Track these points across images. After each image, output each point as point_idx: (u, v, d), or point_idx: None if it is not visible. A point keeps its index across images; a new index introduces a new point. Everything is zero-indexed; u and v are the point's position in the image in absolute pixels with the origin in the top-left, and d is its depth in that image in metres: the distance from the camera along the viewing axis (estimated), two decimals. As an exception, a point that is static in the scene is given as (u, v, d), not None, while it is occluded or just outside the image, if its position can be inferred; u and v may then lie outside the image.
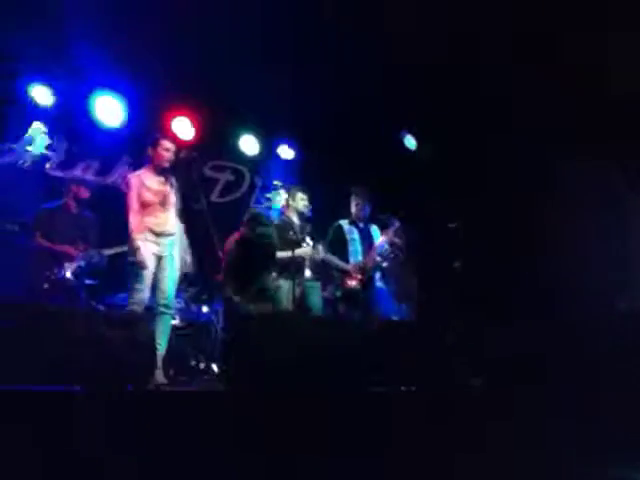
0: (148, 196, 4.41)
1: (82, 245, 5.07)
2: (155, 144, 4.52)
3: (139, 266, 4.25)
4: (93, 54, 5.58)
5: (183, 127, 6.56)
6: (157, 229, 4.39)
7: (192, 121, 6.62)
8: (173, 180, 4.55)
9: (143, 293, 4.26)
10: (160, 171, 4.50)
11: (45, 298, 4.74)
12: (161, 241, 4.41)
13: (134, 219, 4.37)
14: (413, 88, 6.27)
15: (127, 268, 4.34)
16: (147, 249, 4.32)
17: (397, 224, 5.41)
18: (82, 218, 5.23)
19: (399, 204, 5.89)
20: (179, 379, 4.59)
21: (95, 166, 6.29)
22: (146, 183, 4.44)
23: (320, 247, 5.12)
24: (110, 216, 5.06)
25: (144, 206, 4.40)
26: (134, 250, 4.30)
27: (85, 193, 5.29)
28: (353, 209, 5.52)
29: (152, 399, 3.13)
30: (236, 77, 5.99)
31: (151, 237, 4.37)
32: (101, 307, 5.21)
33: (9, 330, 2.97)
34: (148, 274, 4.29)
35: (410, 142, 7.52)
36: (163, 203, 4.44)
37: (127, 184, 4.50)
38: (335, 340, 3.59)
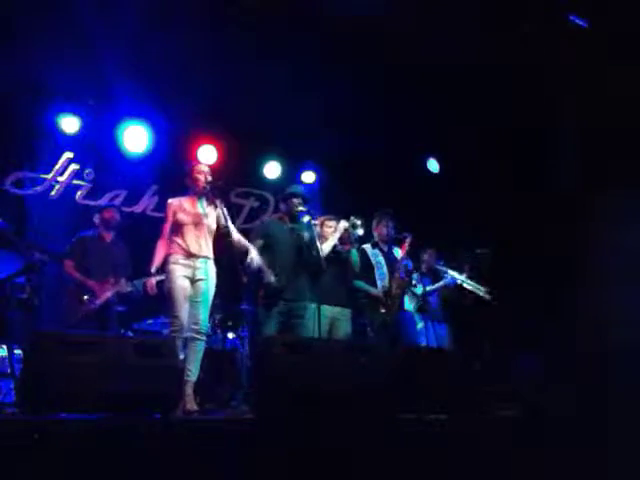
0: (181, 217, 4.42)
1: (112, 278, 5.08)
2: (190, 171, 4.59)
3: (169, 293, 4.26)
4: (120, 84, 5.71)
5: (208, 154, 6.66)
6: (190, 250, 4.36)
7: (217, 148, 6.72)
8: (212, 205, 4.55)
9: (181, 320, 4.24)
10: (200, 197, 4.53)
11: (76, 326, 4.78)
12: (194, 264, 4.36)
13: (164, 243, 4.38)
14: (439, 112, 6.32)
15: (164, 295, 4.32)
16: (179, 273, 4.31)
17: (409, 237, 5.44)
18: (115, 249, 5.25)
19: (421, 228, 5.89)
20: (206, 406, 4.58)
21: (123, 196, 6.38)
22: (183, 205, 4.48)
23: None
24: (139, 245, 5.11)
25: (177, 227, 4.40)
26: (166, 275, 4.31)
27: (115, 217, 5.30)
28: (383, 230, 5.50)
29: (180, 427, 3.12)
30: (260, 104, 6.08)
31: (183, 259, 4.34)
32: (130, 333, 5.26)
33: (39, 358, 3.00)
34: (183, 300, 4.27)
35: (433, 166, 7.54)
36: (197, 225, 4.43)
37: (166, 208, 4.49)
38: (362, 366, 3.56)
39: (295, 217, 4.95)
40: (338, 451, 3.00)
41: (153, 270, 4.35)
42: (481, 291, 5.91)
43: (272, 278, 4.57)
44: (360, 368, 3.52)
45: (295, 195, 4.92)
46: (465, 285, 5.97)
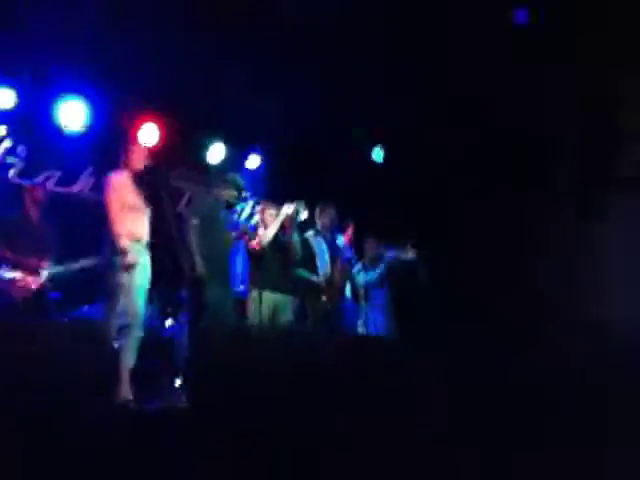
0: (130, 198, 4.29)
1: (45, 258, 4.92)
2: (127, 149, 4.45)
3: (129, 268, 4.10)
4: (59, 57, 5.51)
5: (150, 134, 6.48)
6: (135, 235, 4.24)
7: (159, 128, 6.55)
8: (147, 186, 4.47)
9: (121, 305, 4.11)
10: (135, 175, 4.41)
11: (12, 312, 4.62)
12: (137, 249, 4.24)
13: (118, 220, 4.19)
14: (384, 101, 6.36)
15: (107, 279, 4.17)
16: (124, 258, 4.14)
17: (352, 225, 5.53)
18: (42, 229, 5.07)
19: (366, 216, 5.93)
20: (142, 394, 4.51)
21: (57, 176, 6.13)
22: (127, 184, 4.34)
23: None
24: (73, 227, 4.96)
25: (123, 209, 4.25)
26: (122, 253, 4.12)
27: (41, 195, 5.13)
28: (326, 218, 5.52)
29: (116, 415, 3.09)
30: (205, 84, 5.99)
31: (128, 244, 4.19)
32: (66, 320, 5.12)
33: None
34: (124, 284, 4.13)
35: (378, 155, 7.59)
36: (139, 208, 4.33)
37: (106, 184, 4.31)
38: (301, 355, 3.59)
39: (229, 205, 4.96)
40: (276, 436, 3.02)
41: (122, 246, 4.14)
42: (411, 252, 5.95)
43: (203, 270, 4.52)
44: (299, 356, 3.55)
45: (232, 185, 4.91)
46: (407, 258, 5.98)
